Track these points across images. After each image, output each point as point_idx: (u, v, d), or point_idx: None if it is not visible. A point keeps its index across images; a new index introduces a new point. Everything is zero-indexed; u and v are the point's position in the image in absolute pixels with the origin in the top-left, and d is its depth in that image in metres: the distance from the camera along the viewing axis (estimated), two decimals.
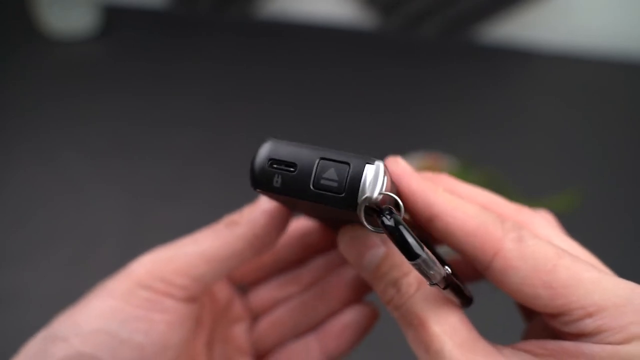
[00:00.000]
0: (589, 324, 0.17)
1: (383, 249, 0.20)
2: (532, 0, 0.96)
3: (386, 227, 0.17)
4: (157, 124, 0.80)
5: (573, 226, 0.69)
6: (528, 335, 0.23)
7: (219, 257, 0.22)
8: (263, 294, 0.29)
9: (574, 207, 0.71)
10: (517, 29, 1.02)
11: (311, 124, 0.81)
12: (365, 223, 0.17)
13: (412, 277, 0.19)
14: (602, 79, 0.95)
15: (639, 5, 0.97)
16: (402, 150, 0.77)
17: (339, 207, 0.17)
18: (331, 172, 0.18)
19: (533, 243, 0.19)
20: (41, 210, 0.67)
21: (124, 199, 0.69)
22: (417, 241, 0.17)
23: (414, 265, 0.17)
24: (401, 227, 0.17)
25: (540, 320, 0.23)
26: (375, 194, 0.17)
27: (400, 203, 0.18)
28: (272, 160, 0.18)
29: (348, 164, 0.18)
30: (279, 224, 0.23)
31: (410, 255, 0.17)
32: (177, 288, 0.22)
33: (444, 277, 0.17)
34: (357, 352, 0.55)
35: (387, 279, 0.20)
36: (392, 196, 0.18)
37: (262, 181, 0.19)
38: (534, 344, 0.19)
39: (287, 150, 0.18)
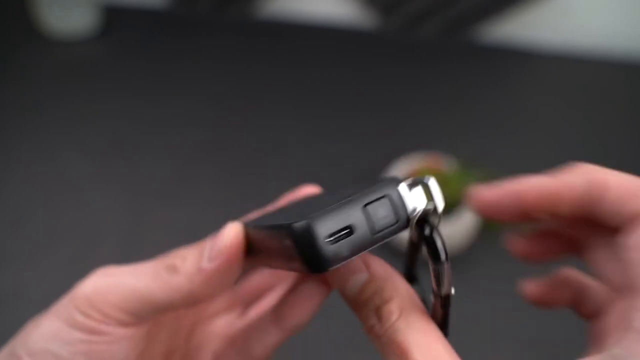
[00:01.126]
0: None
1: (365, 274, 0.20)
2: (532, 0, 0.96)
3: (422, 233, 0.18)
4: (157, 124, 0.80)
5: None
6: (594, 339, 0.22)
7: (154, 300, 0.22)
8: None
9: None
10: (517, 29, 1.02)
11: (311, 124, 0.81)
12: (414, 234, 0.19)
13: (394, 304, 0.19)
14: (602, 79, 0.95)
15: (638, 5, 0.97)
16: (402, 151, 0.77)
17: (395, 234, 0.18)
18: (381, 212, 0.18)
19: None
20: (41, 210, 0.67)
21: (124, 199, 0.69)
22: (445, 248, 0.18)
23: (435, 268, 0.18)
24: (435, 232, 0.18)
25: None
26: (423, 205, 0.19)
27: (438, 206, 0.19)
28: (328, 237, 0.18)
29: (386, 195, 0.19)
30: (223, 280, 0.22)
31: (437, 258, 0.18)
32: (112, 319, 0.22)
33: (447, 296, 0.18)
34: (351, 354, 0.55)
35: (369, 306, 0.19)
36: (433, 201, 0.19)
37: (331, 259, 0.18)
38: None
39: (332, 219, 0.18)
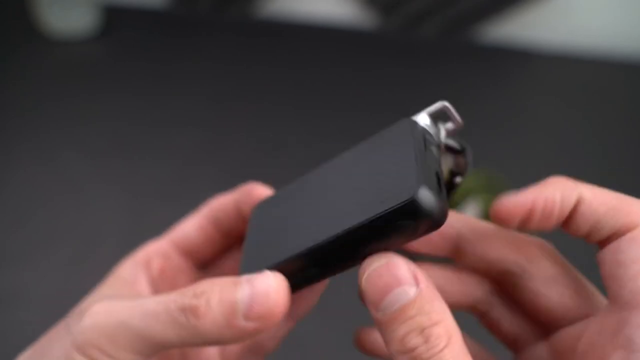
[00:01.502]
0: (615, 331, 0.18)
1: (415, 289, 0.18)
2: (532, 0, 0.96)
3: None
4: (157, 124, 0.80)
5: None
6: None
7: (167, 345, 0.20)
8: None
9: None
10: (517, 29, 1.02)
11: (311, 124, 0.82)
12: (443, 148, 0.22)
13: (442, 328, 0.17)
14: (602, 79, 0.95)
15: (638, 5, 0.97)
16: None
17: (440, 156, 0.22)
18: (433, 151, 0.20)
19: None
20: (41, 210, 0.67)
21: (124, 199, 0.69)
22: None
23: (463, 154, 0.22)
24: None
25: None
26: (443, 127, 0.23)
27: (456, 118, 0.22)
28: (435, 191, 0.18)
29: (426, 135, 0.21)
30: (260, 333, 0.20)
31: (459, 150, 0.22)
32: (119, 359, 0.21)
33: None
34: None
35: (412, 325, 0.17)
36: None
37: (445, 206, 0.18)
38: None
39: (427, 175, 0.19)
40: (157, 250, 0.27)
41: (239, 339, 0.19)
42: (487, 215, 0.67)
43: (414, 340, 0.17)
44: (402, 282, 0.18)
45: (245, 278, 0.20)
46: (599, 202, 0.20)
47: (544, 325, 0.22)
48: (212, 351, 0.26)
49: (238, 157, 0.75)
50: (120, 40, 0.95)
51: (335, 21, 1.04)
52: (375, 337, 0.26)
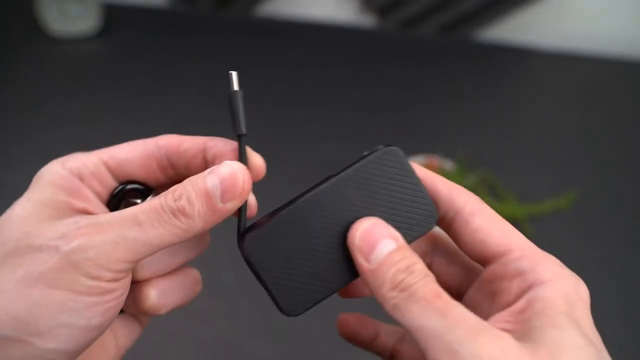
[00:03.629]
0: (527, 264, 0.23)
1: (396, 242, 0.23)
2: (530, 1, 0.96)
3: None
4: (157, 123, 0.80)
5: (572, 224, 0.69)
6: None
7: (163, 245, 0.23)
8: None
9: (568, 207, 0.71)
10: (515, 29, 1.02)
11: (311, 124, 0.82)
12: None
13: (421, 265, 0.22)
14: (601, 77, 0.95)
15: (634, 5, 0.97)
16: (402, 150, 0.77)
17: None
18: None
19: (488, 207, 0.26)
20: None
21: None
22: None
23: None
24: None
25: None
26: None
27: None
28: None
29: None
30: (231, 212, 0.24)
31: None
32: (121, 272, 0.22)
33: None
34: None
35: (398, 266, 0.22)
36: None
37: None
38: (493, 324, 0.22)
39: None
40: (93, 172, 0.26)
41: (221, 219, 0.23)
42: None
43: (401, 276, 0.22)
44: (386, 236, 0.23)
45: (207, 170, 0.24)
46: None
47: (477, 268, 0.26)
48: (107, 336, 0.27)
49: None
50: (120, 39, 0.95)
51: (334, 21, 1.04)
52: (353, 322, 0.28)
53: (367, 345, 0.29)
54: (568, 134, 0.83)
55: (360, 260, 0.23)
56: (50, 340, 0.21)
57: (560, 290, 0.22)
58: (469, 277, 0.27)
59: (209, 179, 0.23)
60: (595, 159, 0.79)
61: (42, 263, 0.21)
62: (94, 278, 0.21)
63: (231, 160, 0.25)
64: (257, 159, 0.26)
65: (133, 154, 0.27)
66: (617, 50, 1.02)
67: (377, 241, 0.23)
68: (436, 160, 0.69)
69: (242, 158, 0.25)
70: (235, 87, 0.26)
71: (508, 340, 0.20)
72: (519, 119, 0.85)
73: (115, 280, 0.22)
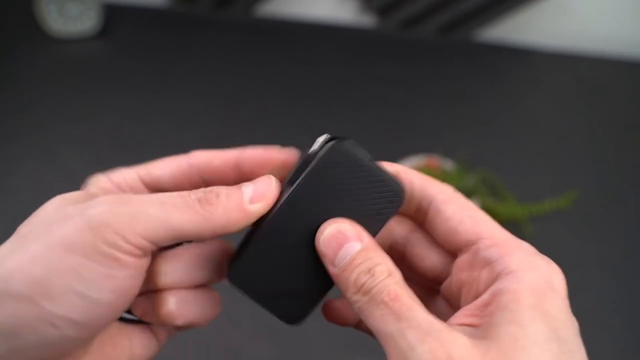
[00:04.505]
0: (495, 253, 0.22)
1: (360, 244, 0.23)
2: (530, 1, 0.96)
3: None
4: (158, 121, 0.80)
5: (572, 224, 0.69)
6: None
7: (182, 232, 0.22)
8: None
9: (567, 207, 0.71)
10: (514, 29, 1.02)
11: (311, 124, 0.82)
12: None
13: (383, 267, 0.22)
14: (601, 77, 0.95)
15: (635, 5, 0.97)
16: (402, 149, 0.77)
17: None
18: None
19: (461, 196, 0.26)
20: None
21: None
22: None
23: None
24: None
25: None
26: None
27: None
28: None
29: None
30: (251, 221, 0.24)
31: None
32: (137, 248, 0.22)
33: None
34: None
35: (360, 268, 0.22)
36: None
37: None
38: (458, 319, 0.22)
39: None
40: (131, 183, 0.27)
41: (240, 223, 0.23)
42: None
43: (363, 278, 0.22)
44: (349, 239, 0.23)
45: (246, 183, 0.24)
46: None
47: (453, 253, 0.26)
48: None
49: None
50: (120, 39, 0.95)
51: (334, 21, 1.04)
52: (338, 306, 0.28)
53: (355, 325, 0.28)
54: (568, 134, 0.83)
55: (327, 265, 0.24)
56: (59, 306, 0.21)
57: (528, 281, 0.21)
58: (449, 265, 0.26)
59: (245, 188, 0.24)
60: (595, 159, 0.79)
61: (64, 227, 0.21)
62: (110, 245, 0.21)
63: (269, 168, 0.26)
64: None
65: (166, 171, 0.27)
66: (617, 50, 1.02)
67: (341, 245, 0.23)
68: (436, 160, 0.69)
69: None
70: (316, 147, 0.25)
71: (459, 341, 0.20)
72: (519, 119, 0.85)
73: (131, 254, 0.22)
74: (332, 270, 0.23)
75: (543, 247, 0.66)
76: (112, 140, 0.77)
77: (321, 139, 0.25)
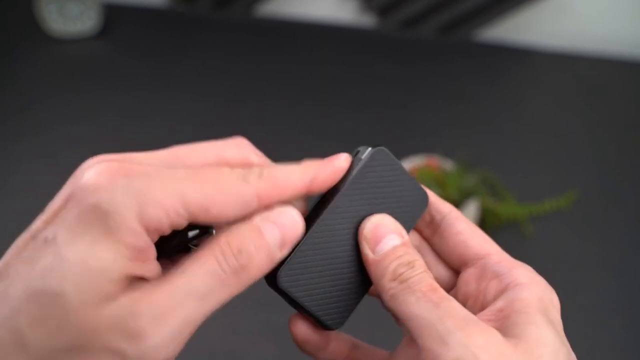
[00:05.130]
0: (503, 267, 0.25)
1: (401, 239, 0.25)
2: (530, 1, 0.96)
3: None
4: (157, 122, 0.80)
5: (572, 224, 0.69)
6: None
7: (221, 303, 0.21)
8: None
9: (567, 207, 0.71)
10: (514, 29, 1.02)
11: (311, 124, 0.82)
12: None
13: (421, 262, 0.24)
14: (601, 77, 0.95)
15: (634, 5, 0.97)
16: (402, 149, 0.77)
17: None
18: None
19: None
20: (42, 207, 0.67)
21: None
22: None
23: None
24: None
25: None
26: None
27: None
28: None
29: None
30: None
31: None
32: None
33: None
34: None
35: (401, 260, 0.24)
36: None
37: None
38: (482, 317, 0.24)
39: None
40: (174, 218, 0.22)
41: (272, 266, 0.23)
42: (485, 214, 0.67)
43: (402, 269, 0.24)
44: (393, 231, 0.25)
45: (263, 218, 0.22)
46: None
47: (457, 267, 0.28)
48: None
49: None
50: (120, 39, 0.95)
51: (334, 21, 1.04)
52: (305, 325, 0.27)
53: (316, 352, 0.28)
54: (568, 134, 0.83)
55: (366, 250, 0.25)
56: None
57: (535, 293, 0.24)
58: (452, 279, 0.29)
59: (270, 233, 0.22)
60: (595, 159, 0.79)
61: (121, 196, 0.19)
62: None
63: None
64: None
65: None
66: (617, 50, 1.02)
67: (384, 235, 0.25)
68: (436, 160, 0.69)
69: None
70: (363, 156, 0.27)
71: (494, 332, 0.22)
72: (519, 119, 0.85)
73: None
74: (370, 256, 0.25)
75: (543, 247, 0.66)
76: (112, 140, 0.77)
77: (361, 148, 0.27)
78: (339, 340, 0.28)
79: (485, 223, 0.67)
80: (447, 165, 0.69)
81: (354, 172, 0.26)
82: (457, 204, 0.64)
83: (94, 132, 0.78)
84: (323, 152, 0.77)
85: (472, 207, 0.64)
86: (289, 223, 0.23)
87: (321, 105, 0.85)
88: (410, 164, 0.69)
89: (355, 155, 0.27)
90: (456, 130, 0.82)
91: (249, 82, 0.89)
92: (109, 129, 0.79)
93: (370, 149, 0.27)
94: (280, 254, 0.23)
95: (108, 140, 0.77)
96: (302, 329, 0.27)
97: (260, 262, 0.22)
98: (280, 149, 0.77)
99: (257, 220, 0.22)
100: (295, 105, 0.85)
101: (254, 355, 0.54)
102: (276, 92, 0.87)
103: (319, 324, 0.26)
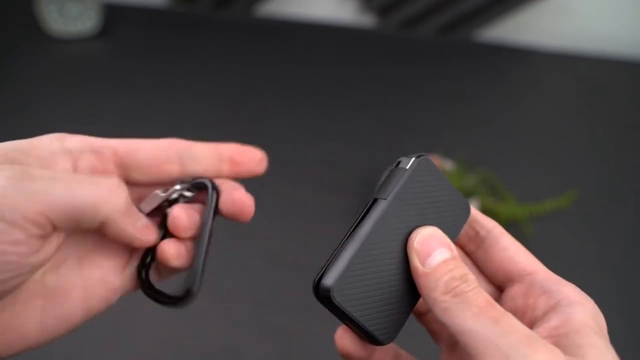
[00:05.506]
0: (552, 284, 0.25)
1: (451, 252, 0.25)
2: (530, 1, 0.96)
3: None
4: (157, 122, 0.80)
5: (572, 224, 0.69)
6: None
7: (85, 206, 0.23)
8: None
9: (567, 207, 0.71)
10: (516, 30, 1.02)
11: (311, 123, 0.82)
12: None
13: (473, 277, 0.24)
14: (601, 77, 0.95)
15: (633, 5, 0.97)
16: (402, 149, 0.77)
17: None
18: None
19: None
20: None
21: None
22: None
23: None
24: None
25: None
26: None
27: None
28: None
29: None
30: None
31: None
32: (34, 226, 0.22)
33: None
34: None
35: (453, 273, 0.24)
36: None
37: None
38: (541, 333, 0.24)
39: None
40: (94, 148, 0.26)
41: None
42: (485, 214, 0.67)
43: (456, 283, 0.24)
44: (443, 244, 0.25)
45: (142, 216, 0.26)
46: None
47: (500, 283, 0.28)
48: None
49: None
50: (120, 39, 0.95)
51: (334, 21, 1.04)
52: (350, 338, 0.28)
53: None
54: (568, 134, 0.83)
55: (415, 262, 0.25)
56: None
57: (590, 313, 0.24)
58: (494, 294, 0.29)
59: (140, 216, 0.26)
60: (595, 159, 0.79)
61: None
62: (5, 222, 0.21)
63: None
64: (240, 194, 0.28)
65: (149, 155, 0.27)
66: (617, 50, 1.02)
67: (434, 248, 0.25)
68: (436, 160, 0.69)
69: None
70: (408, 166, 0.27)
71: (557, 351, 0.21)
72: (519, 119, 0.85)
73: (25, 232, 0.22)
74: (419, 269, 0.25)
75: (543, 247, 0.66)
76: None
77: (402, 159, 0.27)
78: (382, 351, 0.28)
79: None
80: (447, 165, 0.69)
81: (400, 182, 0.26)
82: None
83: (94, 132, 0.78)
84: (323, 152, 0.77)
85: (472, 206, 0.64)
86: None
87: (321, 105, 0.85)
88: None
89: (397, 165, 0.27)
90: (456, 130, 0.82)
91: (249, 82, 0.89)
92: (109, 129, 0.79)
93: (413, 158, 0.26)
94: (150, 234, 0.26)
95: None
96: (349, 343, 0.27)
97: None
98: (280, 149, 0.77)
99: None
100: (295, 105, 0.85)
101: (254, 354, 0.54)
102: (276, 92, 0.87)
103: (369, 339, 0.25)
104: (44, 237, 0.23)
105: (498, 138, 0.81)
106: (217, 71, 0.91)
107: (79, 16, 0.93)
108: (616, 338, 0.57)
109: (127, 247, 0.27)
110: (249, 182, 0.72)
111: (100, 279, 0.26)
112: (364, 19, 1.04)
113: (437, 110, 0.85)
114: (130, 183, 0.27)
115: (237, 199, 0.27)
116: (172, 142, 0.28)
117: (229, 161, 0.29)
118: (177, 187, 0.27)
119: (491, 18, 0.99)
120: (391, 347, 0.29)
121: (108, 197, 0.24)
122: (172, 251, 0.26)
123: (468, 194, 0.66)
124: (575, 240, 0.67)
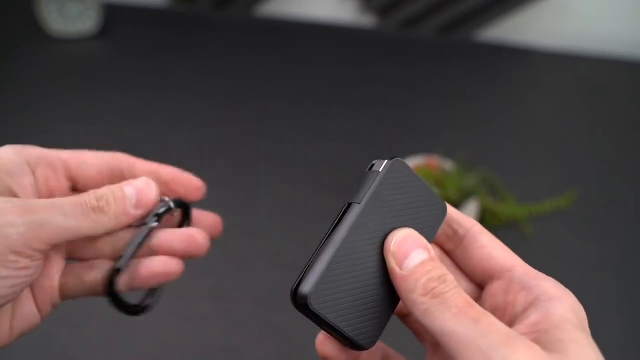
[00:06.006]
0: (531, 280, 0.25)
1: (429, 253, 0.25)
2: (530, 1, 0.96)
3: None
4: (157, 122, 0.80)
5: (572, 224, 0.69)
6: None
7: (80, 235, 0.27)
8: None
9: (567, 207, 0.71)
10: (516, 30, 1.02)
11: (310, 124, 0.82)
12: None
13: (451, 277, 0.24)
14: (601, 77, 0.95)
15: (633, 5, 0.97)
16: (402, 149, 0.77)
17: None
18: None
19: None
20: None
21: None
22: None
23: None
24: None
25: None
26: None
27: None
28: None
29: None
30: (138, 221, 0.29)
31: None
32: (39, 252, 0.25)
33: None
34: None
35: (432, 275, 0.24)
36: None
37: None
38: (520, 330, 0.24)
39: None
40: (49, 162, 0.29)
41: (131, 222, 0.29)
42: (485, 214, 0.67)
43: (434, 284, 0.23)
44: (420, 246, 0.25)
45: (125, 182, 0.29)
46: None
47: (480, 281, 0.28)
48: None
49: (238, 154, 0.76)
50: (120, 39, 0.95)
51: (334, 21, 1.04)
52: (333, 343, 0.28)
53: None
54: (568, 134, 0.83)
55: (393, 265, 0.25)
56: None
57: (571, 307, 0.23)
58: (474, 292, 0.28)
59: (127, 189, 0.29)
60: (595, 159, 0.79)
61: None
62: (16, 253, 0.24)
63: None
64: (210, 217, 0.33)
65: (95, 168, 0.31)
66: (617, 50, 1.02)
67: (411, 250, 0.25)
68: (436, 160, 0.69)
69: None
70: (381, 169, 0.26)
71: (537, 348, 0.21)
72: (519, 119, 0.85)
73: (32, 259, 0.25)
74: (397, 272, 0.25)
75: (543, 247, 0.66)
76: (112, 140, 0.77)
77: (376, 162, 0.27)
78: (368, 353, 0.28)
79: (485, 223, 0.67)
80: (447, 165, 0.69)
81: (374, 185, 0.25)
82: (457, 204, 0.64)
83: (94, 132, 0.78)
84: (323, 152, 0.77)
85: (472, 207, 0.64)
86: (143, 186, 0.29)
87: (321, 105, 0.85)
88: (410, 164, 0.69)
89: (370, 169, 0.26)
90: (456, 130, 0.82)
91: (249, 82, 0.89)
92: (109, 129, 0.79)
93: (386, 161, 0.26)
94: (134, 212, 0.29)
95: (108, 140, 0.77)
96: (330, 349, 0.27)
97: (116, 209, 0.28)
98: (280, 149, 0.77)
99: (123, 183, 0.29)
100: (295, 105, 0.85)
101: (254, 354, 0.54)
102: (276, 92, 0.87)
103: (351, 344, 0.25)
104: (45, 258, 0.26)
105: (498, 138, 0.81)
106: (217, 71, 0.91)
107: (79, 16, 0.93)
108: (616, 338, 0.57)
109: (63, 254, 0.30)
110: (248, 182, 0.72)
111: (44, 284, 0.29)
112: (364, 19, 1.04)
113: (437, 110, 0.85)
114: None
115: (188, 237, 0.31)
116: (116, 156, 0.31)
117: (165, 185, 0.32)
118: (153, 223, 0.30)
119: (491, 18, 0.99)
120: (379, 347, 0.29)
121: (100, 223, 0.27)
122: (162, 269, 0.30)
123: (468, 194, 0.66)
124: (575, 240, 0.67)
